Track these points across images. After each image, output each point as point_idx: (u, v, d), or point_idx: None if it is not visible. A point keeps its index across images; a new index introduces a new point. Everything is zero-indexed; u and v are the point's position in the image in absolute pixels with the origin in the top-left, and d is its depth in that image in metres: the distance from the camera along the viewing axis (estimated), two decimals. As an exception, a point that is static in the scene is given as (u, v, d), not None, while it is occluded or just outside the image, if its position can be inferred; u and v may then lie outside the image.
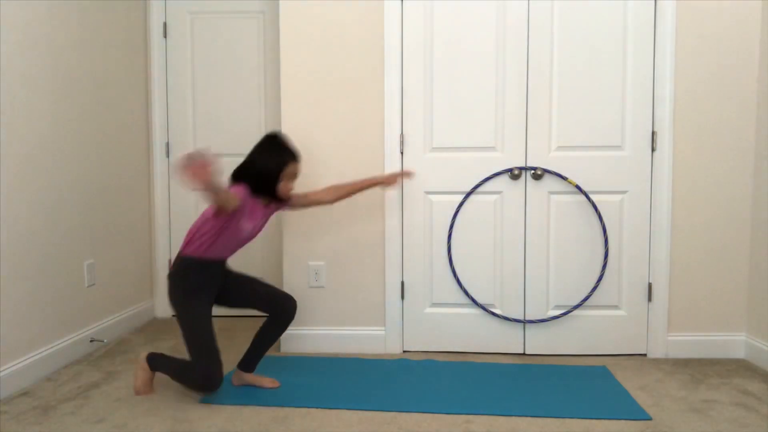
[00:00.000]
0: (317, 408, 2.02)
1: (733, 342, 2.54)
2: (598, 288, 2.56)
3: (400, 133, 2.58)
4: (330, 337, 2.66)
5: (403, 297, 2.64)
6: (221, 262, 2.12)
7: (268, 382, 2.20)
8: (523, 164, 2.56)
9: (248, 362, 2.18)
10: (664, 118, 2.49)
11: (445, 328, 2.63)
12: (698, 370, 2.40)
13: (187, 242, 2.05)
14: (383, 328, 2.64)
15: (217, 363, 1.98)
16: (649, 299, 2.56)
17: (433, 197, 2.60)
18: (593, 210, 2.54)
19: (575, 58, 2.51)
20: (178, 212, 3.26)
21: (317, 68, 2.59)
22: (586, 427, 1.87)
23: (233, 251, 2.11)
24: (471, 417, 1.95)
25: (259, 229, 2.14)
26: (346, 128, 2.60)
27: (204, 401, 2.07)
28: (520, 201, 2.57)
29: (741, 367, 2.42)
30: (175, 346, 2.72)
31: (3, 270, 2.12)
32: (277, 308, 2.15)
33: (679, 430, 1.85)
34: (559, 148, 2.54)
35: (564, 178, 2.53)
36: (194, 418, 1.93)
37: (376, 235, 2.61)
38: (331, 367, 2.43)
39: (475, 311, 2.62)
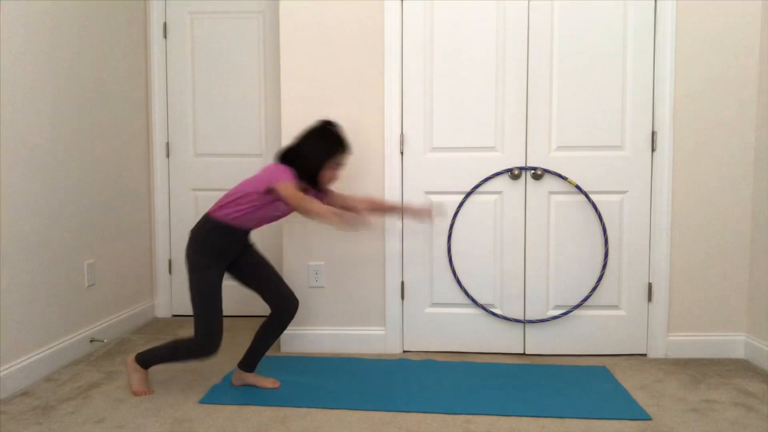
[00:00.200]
0: (317, 408, 2.02)
1: (733, 342, 2.54)
2: (598, 288, 2.56)
3: (400, 133, 2.58)
4: (330, 337, 2.66)
5: (403, 297, 2.64)
6: (246, 232, 2.11)
7: (269, 382, 2.20)
8: (523, 164, 2.56)
9: (249, 362, 2.18)
10: (664, 118, 2.49)
11: (445, 328, 2.63)
12: (698, 370, 2.40)
13: (221, 206, 2.03)
14: (383, 328, 2.64)
15: (219, 328, 2.00)
16: (649, 299, 2.56)
17: (433, 197, 2.60)
18: (593, 210, 2.54)
19: (575, 58, 2.51)
20: (178, 212, 3.26)
21: (317, 68, 2.59)
22: (586, 427, 1.87)
23: (260, 226, 2.11)
24: (471, 417, 1.95)
25: (289, 213, 2.12)
26: (346, 128, 2.59)
27: (204, 401, 2.07)
28: (520, 201, 2.57)
29: (741, 367, 2.42)
30: (175, 346, 2.73)
31: (3, 270, 2.12)
32: (282, 305, 2.15)
33: (679, 430, 1.85)
34: (559, 148, 2.54)
35: (564, 178, 2.53)
36: (194, 418, 1.93)
37: (376, 235, 2.61)
38: (331, 367, 2.43)
39: (475, 311, 2.62)
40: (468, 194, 2.57)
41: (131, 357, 2.15)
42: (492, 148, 2.57)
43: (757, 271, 2.48)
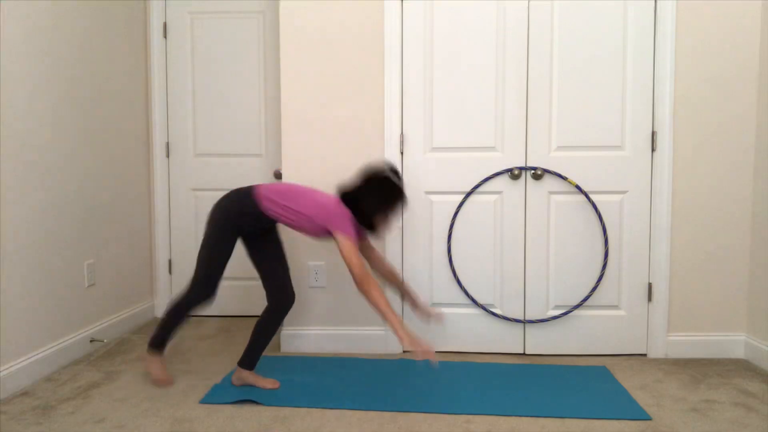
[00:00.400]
0: (317, 408, 2.02)
1: (733, 342, 2.54)
2: (598, 288, 2.56)
3: (400, 133, 2.58)
4: (330, 337, 2.66)
5: (403, 297, 2.63)
6: (274, 224, 2.15)
7: (268, 383, 2.20)
8: (523, 164, 2.56)
9: (248, 359, 2.18)
10: (664, 118, 2.49)
11: (445, 328, 2.63)
12: (698, 370, 2.40)
13: (271, 200, 2.03)
14: (383, 328, 2.64)
15: (217, 277, 2.09)
16: (649, 299, 2.56)
17: (433, 197, 2.60)
18: (593, 210, 2.54)
19: (575, 58, 2.51)
20: (178, 212, 3.26)
21: (317, 68, 2.59)
22: (586, 427, 1.87)
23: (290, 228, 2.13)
24: (471, 417, 1.95)
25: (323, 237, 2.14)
26: (346, 128, 2.60)
27: (204, 401, 2.07)
28: (520, 201, 2.57)
29: (741, 367, 2.42)
30: (175, 346, 2.73)
31: (3, 270, 2.12)
32: (279, 299, 2.15)
33: (679, 430, 1.85)
34: (559, 148, 2.54)
35: (564, 178, 2.53)
36: (194, 418, 1.93)
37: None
38: (331, 367, 2.43)
39: (475, 311, 2.62)
40: (468, 194, 2.57)
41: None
42: (492, 148, 2.57)
43: (757, 271, 2.48)
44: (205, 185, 3.25)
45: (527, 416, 1.95)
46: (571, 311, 2.57)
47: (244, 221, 2.07)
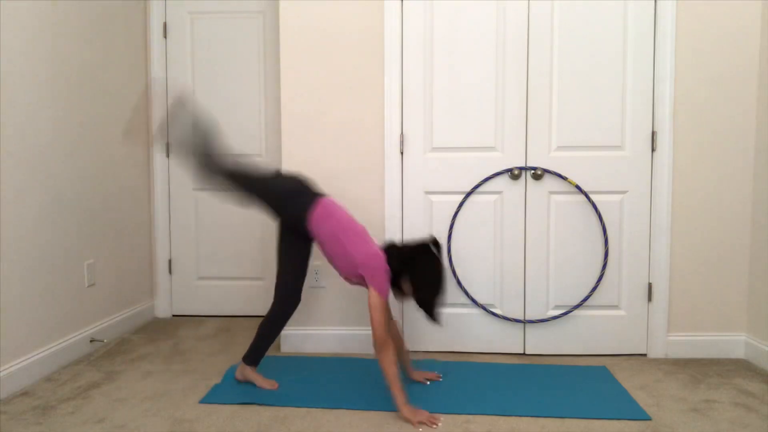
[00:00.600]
0: (317, 408, 2.02)
1: (733, 342, 2.54)
2: (598, 288, 2.56)
3: (400, 133, 2.58)
4: (330, 337, 2.66)
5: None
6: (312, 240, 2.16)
7: (267, 383, 2.20)
8: (523, 164, 2.56)
9: (253, 356, 2.19)
10: (664, 118, 2.49)
11: (445, 328, 2.63)
12: (698, 370, 2.40)
13: (323, 219, 2.03)
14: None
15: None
16: (649, 299, 2.56)
17: (433, 197, 2.60)
18: (593, 210, 2.54)
19: (575, 58, 2.51)
20: (178, 212, 3.26)
21: (317, 68, 2.59)
22: (586, 427, 1.87)
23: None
24: (471, 417, 1.95)
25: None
26: (346, 128, 2.60)
27: (204, 401, 2.07)
28: (520, 201, 2.57)
29: (741, 367, 2.42)
30: (175, 346, 2.73)
31: (3, 270, 2.12)
32: (288, 300, 2.16)
33: (678, 430, 1.85)
34: (559, 148, 2.54)
35: (564, 178, 2.53)
36: (194, 418, 1.93)
37: (375, 235, 2.61)
38: (331, 367, 2.43)
39: (475, 311, 2.62)
40: (468, 194, 2.57)
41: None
42: (492, 148, 2.57)
43: (757, 271, 2.48)
44: (205, 185, 3.25)
45: (527, 416, 1.95)
46: (571, 311, 2.57)
47: (290, 228, 2.11)
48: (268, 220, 3.23)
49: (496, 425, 1.89)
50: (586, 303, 2.57)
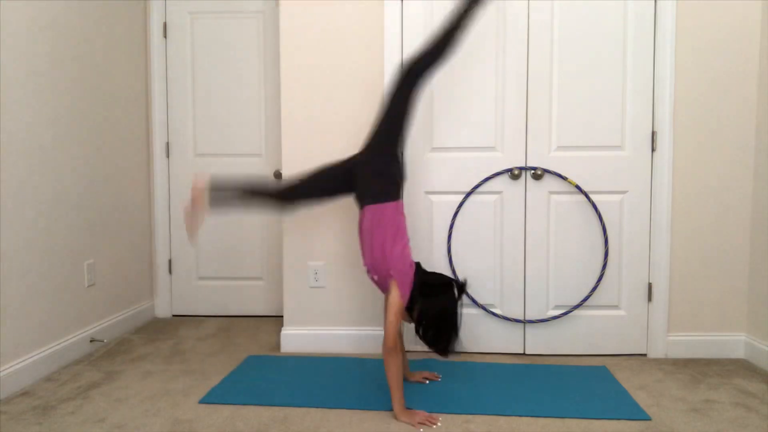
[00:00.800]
0: (317, 408, 2.02)
1: (733, 342, 2.54)
2: (598, 288, 2.56)
3: (400, 133, 2.57)
4: (330, 337, 2.66)
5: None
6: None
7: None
8: (523, 164, 2.56)
9: (221, 187, 2.16)
10: (664, 118, 2.49)
11: (445, 328, 2.63)
12: (698, 370, 2.40)
13: (378, 196, 2.06)
14: (383, 328, 2.64)
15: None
16: (649, 299, 2.56)
17: (433, 197, 2.60)
18: (593, 210, 2.54)
19: (575, 58, 2.51)
20: (178, 212, 3.26)
21: (317, 68, 2.59)
22: (586, 427, 1.87)
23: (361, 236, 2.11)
24: (471, 417, 1.95)
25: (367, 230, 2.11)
26: (346, 128, 2.60)
27: (204, 401, 2.07)
28: (520, 201, 2.57)
29: (741, 367, 2.42)
30: (175, 346, 2.73)
31: (3, 270, 2.12)
32: (294, 197, 2.14)
33: (678, 430, 1.85)
34: (559, 148, 2.54)
35: (564, 178, 2.53)
36: (194, 418, 1.93)
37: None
38: (331, 367, 2.43)
39: (475, 311, 2.62)
40: (468, 194, 2.57)
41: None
42: (492, 148, 2.57)
43: (757, 271, 2.48)
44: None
45: (527, 416, 1.95)
46: (571, 311, 2.57)
47: (390, 176, 2.11)
48: (268, 220, 3.22)
49: (495, 425, 1.89)
50: (586, 303, 2.57)
